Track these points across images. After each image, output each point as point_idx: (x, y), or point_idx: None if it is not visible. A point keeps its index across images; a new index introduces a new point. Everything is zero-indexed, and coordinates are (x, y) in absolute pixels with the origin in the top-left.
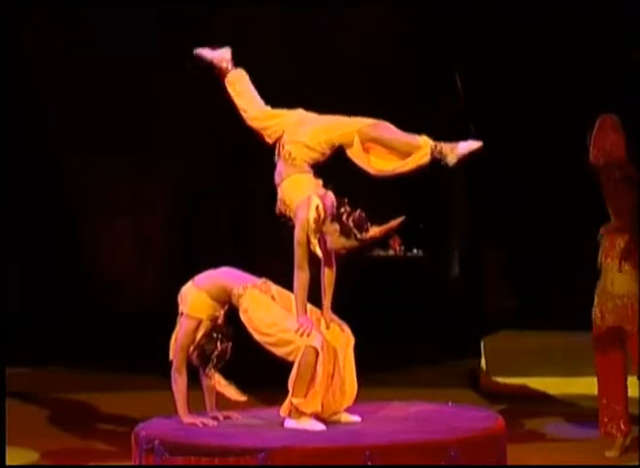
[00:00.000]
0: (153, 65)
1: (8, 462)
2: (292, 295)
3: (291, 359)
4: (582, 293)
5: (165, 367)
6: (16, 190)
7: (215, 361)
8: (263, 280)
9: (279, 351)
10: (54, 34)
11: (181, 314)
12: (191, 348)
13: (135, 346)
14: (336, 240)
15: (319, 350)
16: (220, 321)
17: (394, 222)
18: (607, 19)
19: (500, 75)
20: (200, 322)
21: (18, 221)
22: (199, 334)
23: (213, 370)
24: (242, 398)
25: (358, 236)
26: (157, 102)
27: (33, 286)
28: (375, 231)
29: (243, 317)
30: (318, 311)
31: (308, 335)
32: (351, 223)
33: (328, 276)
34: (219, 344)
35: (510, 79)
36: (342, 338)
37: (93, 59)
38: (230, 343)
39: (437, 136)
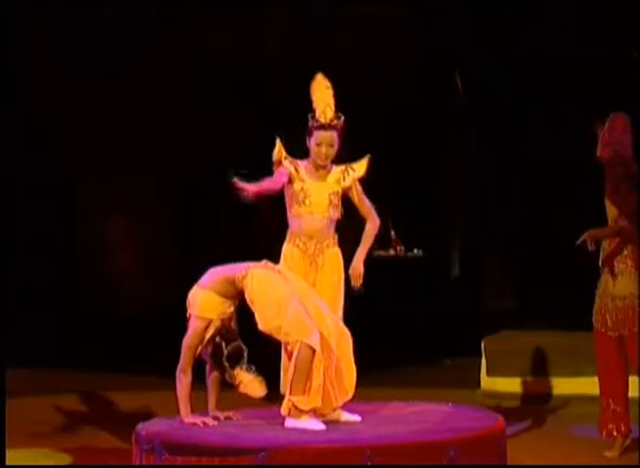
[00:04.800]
0: (153, 65)
1: (8, 462)
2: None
3: (289, 348)
4: (582, 294)
5: (164, 367)
6: (15, 190)
7: (230, 363)
8: (264, 261)
9: (278, 337)
10: (54, 34)
11: (189, 317)
12: (208, 351)
13: (135, 346)
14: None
15: (315, 348)
16: (228, 321)
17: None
18: (608, 18)
19: (501, 75)
20: (210, 322)
21: (17, 221)
22: (208, 335)
23: (235, 372)
24: (262, 392)
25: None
26: (158, 102)
27: (32, 286)
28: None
29: (247, 298)
30: (320, 304)
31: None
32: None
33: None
34: (226, 346)
35: (511, 79)
36: (339, 331)
37: (92, 60)
38: (239, 341)
39: (437, 136)
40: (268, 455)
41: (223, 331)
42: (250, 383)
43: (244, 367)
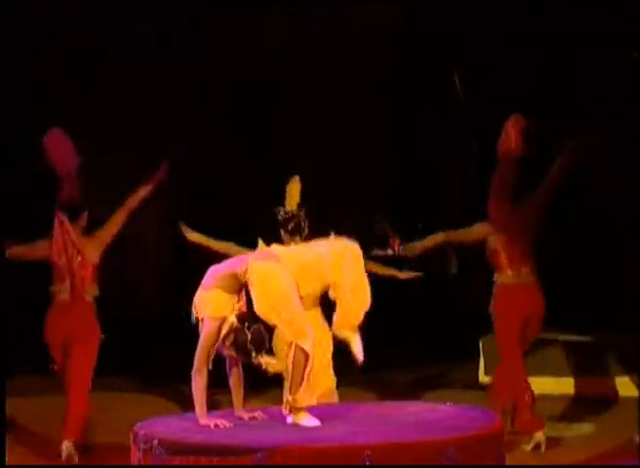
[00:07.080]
0: (152, 65)
1: (8, 462)
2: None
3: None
4: (581, 294)
5: (165, 367)
6: (15, 191)
7: (254, 347)
8: (264, 249)
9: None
10: (54, 33)
11: (201, 320)
12: (227, 344)
13: (135, 347)
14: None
15: (308, 353)
16: (241, 309)
17: None
18: (607, 18)
19: (501, 75)
20: (224, 320)
21: (16, 221)
22: (223, 333)
23: (259, 358)
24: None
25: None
26: (156, 102)
27: (31, 286)
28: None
29: (250, 291)
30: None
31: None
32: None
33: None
34: (247, 332)
35: (510, 79)
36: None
37: (92, 59)
38: (260, 324)
39: (438, 137)
40: (267, 455)
41: (244, 316)
42: (277, 366)
43: (267, 349)
